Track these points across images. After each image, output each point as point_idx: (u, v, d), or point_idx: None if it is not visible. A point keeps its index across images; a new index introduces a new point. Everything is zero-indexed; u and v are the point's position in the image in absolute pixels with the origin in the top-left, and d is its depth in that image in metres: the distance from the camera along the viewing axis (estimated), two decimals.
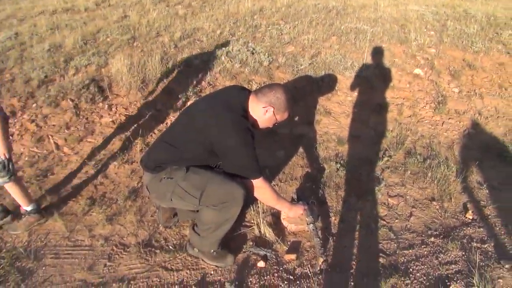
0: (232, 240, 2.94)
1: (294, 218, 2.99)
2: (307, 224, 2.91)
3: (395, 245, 2.93)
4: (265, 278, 2.65)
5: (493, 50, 5.79)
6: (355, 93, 4.91)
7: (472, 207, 3.38)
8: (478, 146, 4.34)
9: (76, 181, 3.55)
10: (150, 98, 4.49)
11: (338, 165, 3.74)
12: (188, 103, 4.38)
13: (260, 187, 2.56)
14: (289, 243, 2.96)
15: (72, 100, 4.30)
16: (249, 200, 2.71)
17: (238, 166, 2.43)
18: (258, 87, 2.63)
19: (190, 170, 2.47)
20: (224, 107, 2.42)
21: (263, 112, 2.50)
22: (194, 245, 2.76)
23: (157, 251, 2.85)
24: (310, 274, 2.66)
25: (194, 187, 2.45)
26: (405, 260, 2.79)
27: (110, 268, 2.72)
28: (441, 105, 4.88)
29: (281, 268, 2.73)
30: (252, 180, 2.51)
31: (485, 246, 2.92)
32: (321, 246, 2.76)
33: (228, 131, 2.33)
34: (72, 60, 4.96)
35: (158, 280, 2.63)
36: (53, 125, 4.08)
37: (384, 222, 3.17)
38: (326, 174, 3.68)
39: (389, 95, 4.99)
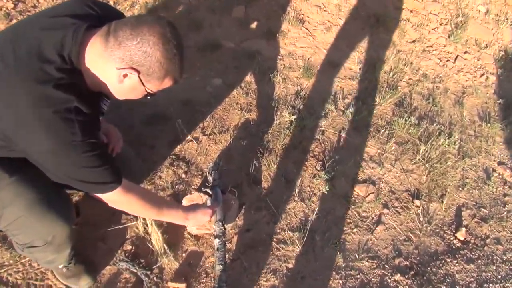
0: (103, 240, 1.85)
1: None
2: (213, 237, 1.82)
3: (340, 282, 1.91)
4: None
5: None
6: None
7: (468, 217, 2.33)
8: (496, 102, 3.12)
9: None
10: None
11: (294, 116, 2.50)
12: None
13: (122, 202, 1.42)
14: (184, 255, 1.89)
15: None
16: None
17: (67, 180, 1.24)
18: (115, 20, 1.21)
19: None
20: (23, 66, 1.11)
21: (118, 77, 1.18)
22: None
23: None
24: None
25: None
26: None
27: None
28: (459, 30, 3.48)
29: None
30: (102, 195, 1.32)
31: None
32: (224, 281, 1.71)
33: (29, 124, 1.10)
34: None
35: None
36: None
37: (336, 231, 2.10)
38: (273, 128, 2.46)
39: (392, 3, 3.51)
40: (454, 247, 2.17)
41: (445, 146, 2.59)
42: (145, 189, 1.91)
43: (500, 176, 2.61)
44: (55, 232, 1.34)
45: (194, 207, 1.74)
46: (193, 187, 2.11)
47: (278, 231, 2.04)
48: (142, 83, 1.21)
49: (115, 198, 1.35)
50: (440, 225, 2.25)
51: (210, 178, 2.02)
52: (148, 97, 1.30)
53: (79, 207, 1.57)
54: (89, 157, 1.17)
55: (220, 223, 1.83)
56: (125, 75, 1.18)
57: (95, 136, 1.19)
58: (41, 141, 1.10)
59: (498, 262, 2.16)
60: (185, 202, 1.97)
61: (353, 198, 2.27)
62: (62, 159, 1.15)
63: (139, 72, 1.17)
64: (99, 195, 1.33)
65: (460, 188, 2.46)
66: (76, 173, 1.20)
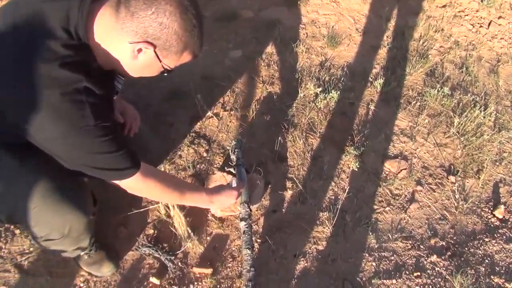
0: (124, 225, 1.77)
1: None
2: (239, 220, 1.72)
3: (373, 264, 1.80)
4: None
5: None
6: None
7: (506, 194, 2.18)
8: None
9: None
10: None
11: (319, 88, 2.35)
12: None
13: (141, 188, 1.32)
14: (208, 239, 1.80)
15: None
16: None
17: (81, 168, 1.14)
18: None
19: None
20: (25, 43, 0.99)
21: (132, 52, 1.06)
22: None
23: (17, 231, 1.67)
24: None
25: None
26: None
27: None
28: None
29: None
30: (120, 182, 1.23)
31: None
32: (251, 265, 1.62)
33: (34, 108, 0.99)
34: None
35: None
36: None
37: (367, 210, 1.98)
38: (298, 102, 2.32)
39: None
40: (492, 225, 2.04)
41: (480, 118, 2.42)
42: (165, 173, 1.81)
43: None
44: (71, 223, 1.25)
45: (218, 189, 1.63)
46: (215, 166, 2.01)
47: (306, 211, 1.93)
48: (159, 58, 1.08)
49: (134, 184, 1.25)
50: (477, 203, 2.12)
51: (233, 157, 1.91)
52: (165, 74, 1.18)
53: (95, 195, 1.48)
54: (103, 142, 1.06)
55: (246, 205, 1.73)
56: (139, 50, 1.05)
57: (108, 119, 1.08)
58: (49, 127, 0.99)
59: None
60: (208, 183, 1.87)
61: (384, 174, 2.14)
62: (73, 146, 1.05)
63: (155, 46, 1.04)
64: (117, 182, 1.23)
65: (498, 163, 2.31)
66: (90, 160, 1.10)
